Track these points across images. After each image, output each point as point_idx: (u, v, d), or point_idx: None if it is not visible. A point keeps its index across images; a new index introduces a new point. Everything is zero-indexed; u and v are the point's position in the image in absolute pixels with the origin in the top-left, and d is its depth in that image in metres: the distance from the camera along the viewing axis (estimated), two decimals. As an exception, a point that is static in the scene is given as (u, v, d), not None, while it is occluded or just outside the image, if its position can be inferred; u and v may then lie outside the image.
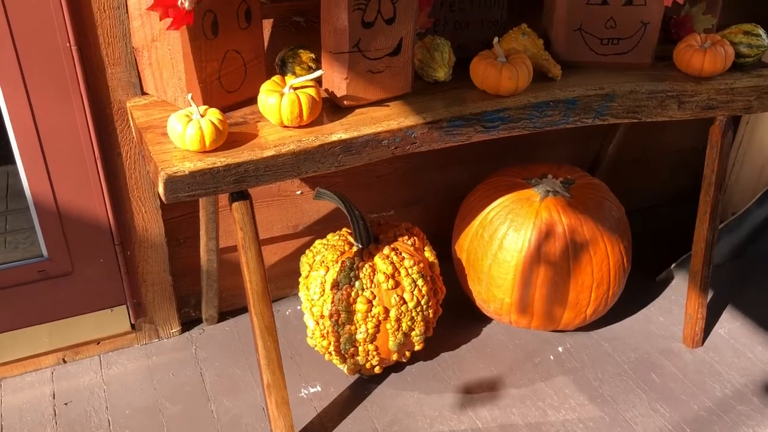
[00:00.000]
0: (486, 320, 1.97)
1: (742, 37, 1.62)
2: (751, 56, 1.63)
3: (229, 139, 1.29)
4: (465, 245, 1.87)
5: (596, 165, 2.17)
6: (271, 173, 1.29)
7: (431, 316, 1.74)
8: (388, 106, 1.46)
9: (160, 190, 1.23)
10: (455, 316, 1.95)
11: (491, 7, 1.66)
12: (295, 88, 1.33)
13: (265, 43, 1.64)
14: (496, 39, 1.49)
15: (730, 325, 1.98)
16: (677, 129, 2.16)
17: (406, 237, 1.76)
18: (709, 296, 2.07)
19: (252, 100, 1.42)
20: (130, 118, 1.50)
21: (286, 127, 1.35)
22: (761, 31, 1.63)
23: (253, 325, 1.44)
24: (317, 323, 1.70)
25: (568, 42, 1.59)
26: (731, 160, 2.37)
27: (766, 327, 1.97)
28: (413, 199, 2.08)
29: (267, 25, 1.63)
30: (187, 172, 1.22)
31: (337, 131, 1.35)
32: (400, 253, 1.70)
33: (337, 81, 1.40)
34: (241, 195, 1.33)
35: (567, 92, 1.52)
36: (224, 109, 1.37)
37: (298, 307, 2.01)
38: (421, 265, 1.70)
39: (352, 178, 1.94)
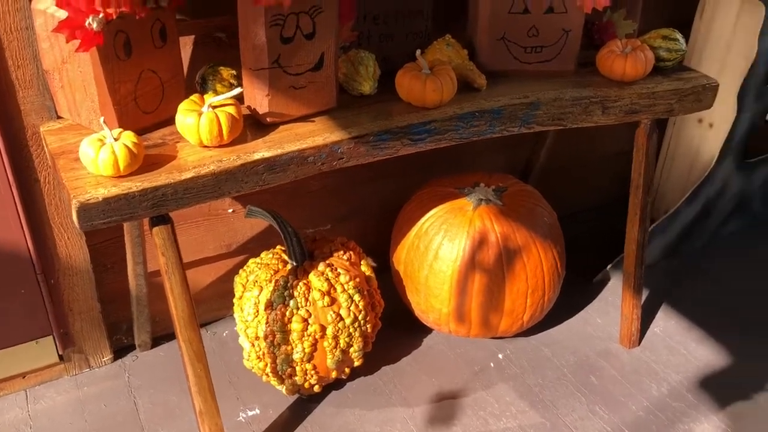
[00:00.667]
0: (426, 331, 1.96)
1: (661, 42, 1.66)
2: (671, 60, 1.66)
3: (146, 162, 1.25)
4: (402, 257, 1.86)
5: (528, 172, 2.19)
6: (191, 195, 1.26)
7: (370, 330, 1.72)
8: (313, 121, 1.43)
9: (74, 218, 1.18)
10: (395, 329, 1.94)
11: (415, 18, 1.65)
12: (214, 107, 1.29)
13: (186, 61, 1.60)
14: (418, 51, 1.48)
15: (665, 323, 2.02)
16: (607, 133, 2.20)
17: (342, 252, 1.74)
18: (644, 296, 2.11)
19: (171, 121, 1.37)
20: (44, 143, 1.44)
21: (206, 147, 1.31)
22: (679, 36, 1.67)
23: (182, 353, 1.39)
24: (253, 345, 1.66)
25: (493, 51, 1.60)
26: (661, 161, 2.42)
27: (698, 323, 2.01)
28: (349, 213, 2.06)
29: (188, 41, 1.59)
30: (100, 199, 1.17)
31: (260, 149, 1.32)
32: (336, 269, 1.67)
33: (258, 98, 1.37)
34: (161, 219, 1.28)
35: (492, 102, 1.52)
36: (142, 131, 1.33)
37: (235, 328, 1.96)
38: (357, 280, 1.68)
39: (285, 193, 1.91)
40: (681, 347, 1.93)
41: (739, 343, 1.94)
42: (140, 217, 1.23)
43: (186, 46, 1.60)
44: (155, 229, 1.28)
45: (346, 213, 2.06)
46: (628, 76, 1.59)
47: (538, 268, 1.76)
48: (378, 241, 2.06)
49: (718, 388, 1.80)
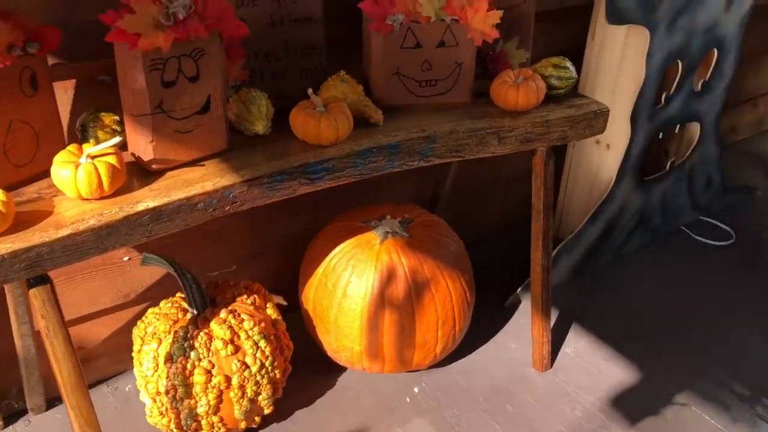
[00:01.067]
0: (340, 369, 1.91)
1: (552, 70, 1.69)
2: (562, 88, 1.70)
3: (18, 219, 1.16)
4: (310, 296, 1.81)
5: (436, 200, 2.19)
6: (70, 253, 1.18)
7: (279, 376, 1.66)
8: (203, 165, 1.38)
9: (-64, 286, 1.08)
10: (308, 370, 1.89)
11: (309, 55, 1.63)
12: (93, 157, 1.22)
13: (68, 107, 1.52)
14: (310, 90, 1.45)
15: (576, 343, 2.05)
16: (510, 156, 2.22)
17: (246, 296, 1.68)
18: (554, 317, 2.14)
19: (48, 173, 1.29)
20: None
21: (86, 200, 1.24)
22: (569, 64, 1.70)
23: (71, 420, 1.30)
24: (154, 400, 1.58)
25: (388, 86, 1.59)
26: (563, 182, 2.47)
27: (607, 341, 2.05)
28: (256, 252, 2.00)
29: (69, 86, 1.51)
30: (-35, 264, 1.08)
31: (145, 199, 1.26)
32: (239, 315, 1.61)
33: (142, 145, 1.31)
34: (39, 280, 1.20)
35: (390, 137, 1.51)
36: (14, 186, 1.25)
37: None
38: (263, 324, 1.62)
39: (185, 236, 1.82)
40: (592, 367, 1.96)
41: (645, 357, 1.99)
42: (13, 280, 1.14)
43: (68, 90, 1.52)
44: (32, 291, 1.19)
45: (252, 252, 2.00)
46: (521, 105, 1.61)
47: (447, 299, 1.75)
48: (288, 279, 2.01)
49: (629, 406, 1.83)
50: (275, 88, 1.59)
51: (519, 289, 2.17)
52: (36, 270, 1.16)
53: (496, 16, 1.55)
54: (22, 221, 1.17)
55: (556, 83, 1.69)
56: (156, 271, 1.83)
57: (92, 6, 1.46)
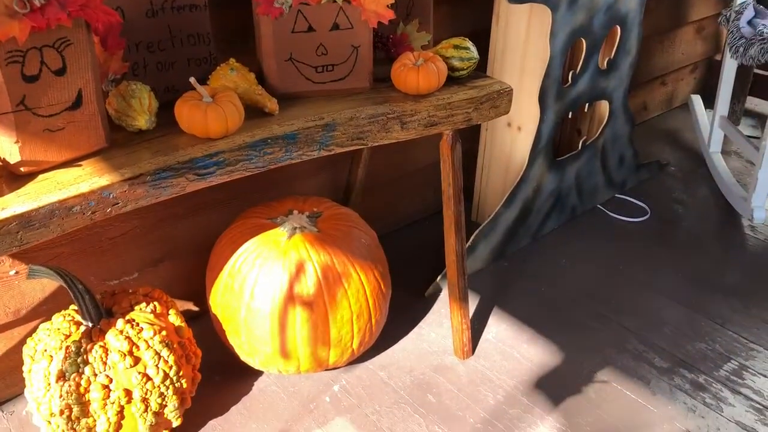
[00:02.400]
0: (255, 373, 1.83)
1: (453, 52, 1.65)
2: (465, 69, 1.66)
3: None
4: (217, 299, 1.72)
5: (349, 191, 2.13)
6: (-77, 270, 1.06)
7: (186, 385, 1.56)
8: (80, 165, 1.27)
9: None
10: (221, 377, 1.80)
11: (196, 44, 1.53)
12: (-52, 162, 1.11)
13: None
14: (192, 79, 1.36)
15: (497, 328, 2.03)
16: (423, 143, 2.19)
17: (144, 304, 1.58)
18: (476, 303, 2.11)
19: None
20: None
21: (-58, 209, 1.12)
22: (470, 44, 1.66)
23: (-57, 453, 1.18)
24: (49, 423, 1.46)
25: (282, 73, 1.51)
26: (479, 166, 2.45)
27: (528, 324, 2.04)
28: (159, 257, 1.89)
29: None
30: None
31: (12, 204, 1.15)
32: (137, 324, 1.51)
33: (7, 146, 1.19)
34: None
35: (285, 127, 1.44)
36: None
37: (37, 403, 1.73)
38: (164, 333, 1.53)
39: (78, 244, 1.72)
40: (513, 351, 1.94)
41: (566, 337, 1.98)
42: None
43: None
44: None
45: (155, 257, 1.89)
46: (423, 88, 1.56)
47: (360, 293, 1.69)
48: (196, 282, 1.91)
49: (551, 388, 1.82)
50: (161, 79, 1.50)
51: (438, 278, 2.13)
52: None
53: (390, -5, 1.49)
54: None
55: (457, 64, 1.65)
56: (48, 284, 1.71)
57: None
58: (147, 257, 1.87)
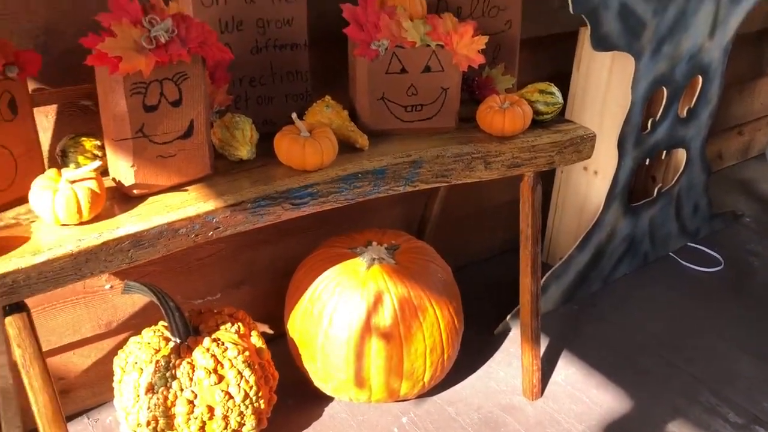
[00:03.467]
0: (327, 399, 1.87)
1: (538, 96, 1.69)
2: (549, 113, 1.70)
3: (-6, 245, 1.14)
4: (296, 324, 1.78)
5: (424, 225, 2.17)
6: (46, 280, 1.15)
7: (263, 406, 1.62)
8: (186, 190, 1.36)
9: None
10: (294, 400, 1.85)
11: (294, 80, 1.62)
12: (72, 182, 1.20)
13: (50, 132, 1.50)
14: (294, 115, 1.44)
15: (566, 371, 2.02)
16: (499, 181, 2.22)
17: (230, 324, 1.65)
18: (545, 344, 2.11)
19: (26, 198, 1.26)
20: None
21: (65, 225, 1.21)
22: (555, 89, 1.70)
23: (47, 453, 1.26)
24: (135, 432, 1.53)
25: (373, 111, 1.58)
26: (552, 208, 2.47)
27: (598, 369, 2.03)
28: (241, 279, 1.97)
29: (51, 111, 1.50)
30: (-62, 291, 1.05)
31: (126, 224, 1.23)
32: (223, 344, 1.58)
33: (123, 169, 1.29)
34: (14, 307, 1.16)
35: (375, 162, 1.50)
36: (-8, 211, 1.22)
37: (120, 413, 1.82)
38: (247, 353, 1.59)
39: (168, 263, 1.81)
40: (582, 395, 1.93)
41: (636, 385, 1.96)
42: (-13, 308, 1.11)
43: (49, 115, 1.50)
44: (7, 320, 1.16)
45: (238, 279, 1.97)
46: (508, 130, 1.60)
47: (434, 327, 1.73)
48: (274, 306, 1.98)
49: (621, 435, 1.80)
50: (260, 113, 1.59)
51: (509, 317, 2.14)
52: (12, 297, 1.13)
53: (482, 41, 1.55)
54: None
55: (542, 108, 1.69)
56: (138, 299, 1.80)
57: (75, 31, 1.46)
58: (230, 279, 1.95)
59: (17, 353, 1.20)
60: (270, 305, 2.02)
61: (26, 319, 1.18)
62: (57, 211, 1.18)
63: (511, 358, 2.06)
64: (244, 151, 1.45)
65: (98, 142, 1.36)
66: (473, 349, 2.05)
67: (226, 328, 1.63)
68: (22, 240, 1.17)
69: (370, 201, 2.08)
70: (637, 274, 2.48)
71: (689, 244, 2.66)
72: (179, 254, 1.82)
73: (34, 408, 1.24)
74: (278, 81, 1.60)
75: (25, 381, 1.22)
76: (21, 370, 1.21)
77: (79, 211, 1.19)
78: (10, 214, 1.25)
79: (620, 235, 2.34)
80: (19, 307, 1.17)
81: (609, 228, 2.28)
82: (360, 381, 1.72)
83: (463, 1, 1.73)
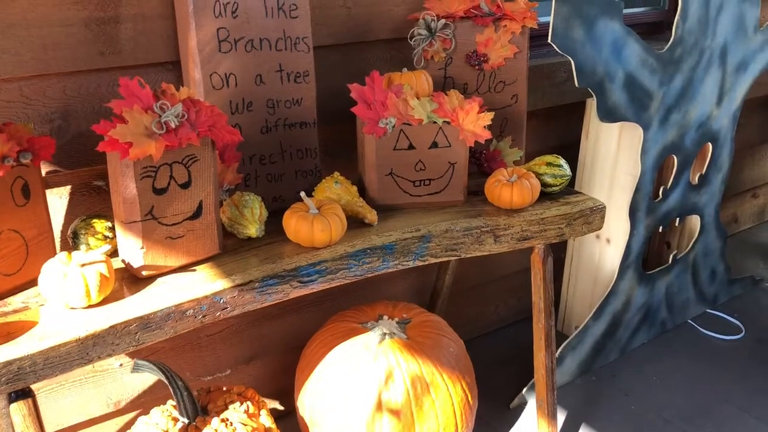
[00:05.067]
0: (338, 479, 1.82)
1: (545, 168, 1.70)
2: (557, 185, 1.70)
3: (2, 331, 1.14)
4: (305, 401, 1.75)
5: (435, 297, 2.15)
6: (53, 366, 1.14)
7: (272, 488, 1.58)
8: (194, 270, 1.36)
9: None
10: (304, 480, 1.80)
11: (304, 157, 1.64)
12: (82, 265, 1.21)
13: (62, 213, 1.52)
14: (302, 193, 1.45)
15: (585, 447, 1.96)
16: (511, 251, 2.21)
17: (239, 403, 1.62)
18: (562, 418, 2.05)
19: (36, 281, 1.28)
20: None
21: (73, 309, 1.21)
22: (562, 162, 1.71)
23: None
24: None
25: (382, 186, 1.59)
26: (566, 278, 2.44)
27: (618, 444, 1.96)
28: (251, 355, 1.95)
29: (64, 192, 1.52)
30: (-58, 381, 1.05)
31: (133, 307, 1.23)
32: (231, 424, 1.55)
33: (132, 251, 1.30)
34: (20, 394, 1.16)
35: (384, 237, 1.50)
36: (1, 295, 1.23)
37: (127, 495, 1.77)
38: (255, 433, 1.56)
39: (177, 341, 1.80)
40: (603, 473, 1.87)
41: (660, 462, 1.90)
42: (-8, 395, 1.11)
43: (62, 197, 1.53)
44: (13, 406, 1.15)
45: (247, 355, 1.95)
46: (516, 203, 1.60)
47: (447, 403, 1.69)
48: (284, 381, 1.95)
49: None
50: (270, 190, 1.60)
51: (524, 390, 2.09)
52: (17, 384, 1.12)
53: (488, 117, 1.57)
54: (6, 333, 1.15)
55: (550, 181, 1.69)
56: (147, 377, 1.78)
57: (89, 114, 1.50)
58: (240, 355, 1.93)
59: (22, 440, 1.18)
60: (280, 381, 1.99)
61: (31, 405, 1.17)
62: (66, 294, 1.18)
63: (529, 434, 2.00)
64: (253, 229, 1.45)
65: (109, 224, 1.37)
66: (489, 425, 2.00)
67: (234, 408, 1.61)
68: (29, 325, 1.18)
69: (382, 273, 2.09)
70: (655, 343, 2.42)
71: (708, 311, 2.61)
72: (190, 331, 1.82)
73: (37, 497, 1.21)
74: (288, 158, 1.62)
75: (29, 468, 1.19)
76: (25, 457, 1.19)
77: (88, 294, 1.19)
78: (19, 298, 1.26)
79: (636, 304, 2.30)
80: (24, 393, 1.16)
81: (624, 296, 2.24)
82: (372, 461, 1.67)
83: (469, 77, 1.76)
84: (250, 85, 1.53)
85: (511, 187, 1.60)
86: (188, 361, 1.83)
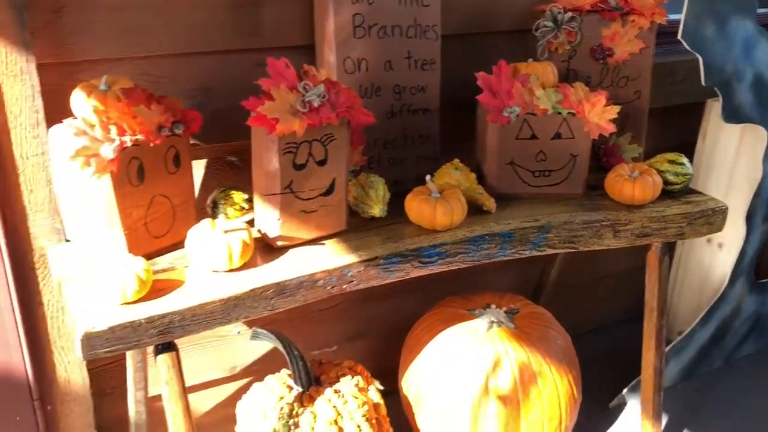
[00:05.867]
0: (437, 461, 1.86)
1: (667, 166, 1.67)
2: (678, 183, 1.68)
3: (153, 287, 1.23)
4: (411, 382, 1.80)
5: (540, 290, 2.16)
6: (198, 322, 1.23)
7: (378, 461, 1.63)
8: (323, 244, 1.42)
9: (77, 346, 1.15)
10: (405, 459, 1.85)
11: (425, 143, 1.68)
12: (226, 232, 1.29)
13: (198, 184, 1.61)
14: (428, 177, 1.49)
15: (687, 452, 1.92)
16: (617, 249, 2.19)
17: (350, 377, 1.68)
18: (664, 421, 2.02)
19: (181, 244, 1.37)
20: (51, 267, 1.42)
21: (215, 271, 1.30)
22: (684, 160, 1.69)
23: (181, 488, 1.31)
24: (255, 477, 1.57)
25: (501, 175, 1.61)
26: (672, 281, 2.39)
27: (723, 453, 1.92)
28: (357, 333, 2.02)
29: (200, 165, 1.62)
30: (105, 327, 1.14)
31: (270, 273, 1.30)
32: (343, 396, 1.61)
33: (269, 222, 1.37)
34: (167, 347, 1.25)
35: (503, 225, 1.52)
36: (151, 255, 1.32)
37: (237, 457, 1.87)
38: (366, 408, 1.61)
39: (291, 313, 1.86)
40: (706, 480, 1.83)
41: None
42: (145, 345, 1.20)
43: (198, 169, 1.62)
44: (160, 357, 1.24)
45: (354, 333, 2.01)
46: (637, 199, 1.59)
47: (554, 395, 1.70)
48: (386, 362, 2.00)
49: None
50: (391, 173, 1.65)
51: (625, 390, 2.07)
52: (166, 336, 1.21)
53: (614, 111, 1.56)
54: (157, 289, 1.24)
55: (672, 179, 1.67)
56: (261, 345, 1.87)
57: (225, 92, 1.59)
58: (347, 332, 1.99)
59: (164, 390, 1.27)
60: (382, 360, 2.04)
61: (175, 358, 1.26)
62: (211, 258, 1.26)
63: (628, 434, 1.98)
64: (377, 209, 1.50)
65: (246, 196, 1.45)
66: (587, 422, 1.99)
67: (346, 381, 1.67)
68: (176, 284, 1.26)
69: (484, 263, 2.11)
70: (763, 354, 2.35)
71: (821, 326, 2.50)
72: (303, 305, 1.90)
73: (173, 444, 1.30)
74: (410, 144, 1.66)
75: (169, 417, 1.29)
76: (166, 406, 1.28)
77: (231, 259, 1.27)
78: (166, 259, 1.35)
79: (746, 312, 2.23)
80: (170, 347, 1.25)
81: (734, 303, 2.18)
82: (474, 445, 1.70)
83: (592, 71, 1.76)
84: (379, 71, 1.58)
85: (633, 182, 1.59)
86: (300, 335, 1.90)
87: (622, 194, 1.60)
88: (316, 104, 1.31)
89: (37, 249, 1.46)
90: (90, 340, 1.14)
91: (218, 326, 1.26)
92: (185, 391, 1.28)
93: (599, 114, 1.56)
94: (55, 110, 1.38)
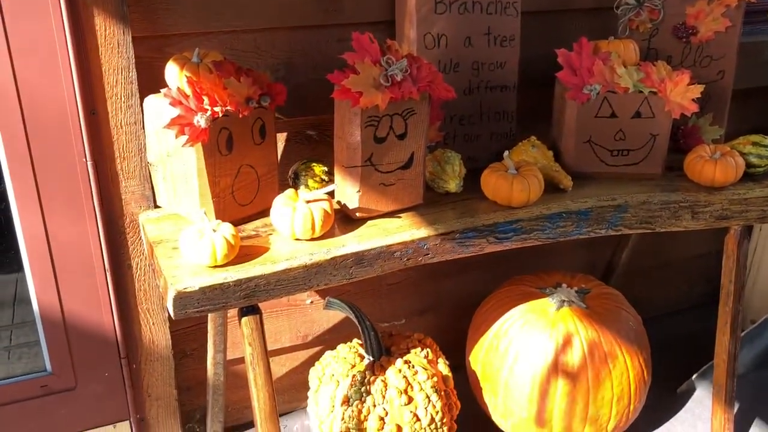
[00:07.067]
0: (502, 436, 1.88)
1: (751, 148, 1.63)
2: (762, 166, 1.63)
3: (240, 252, 1.28)
4: (479, 357, 1.82)
5: (610, 272, 2.14)
6: (282, 287, 1.27)
7: (446, 432, 1.66)
8: (399, 217, 1.45)
9: (169, 305, 1.21)
10: (470, 432, 1.87)
11: (500, 120, 1.69)
12: (308, 202, 1.33)
13: (279, 156, 1.66)
14: (506, 152, 1.50)
15: (759, 441, 1.89)
16: (691, 233, 2.15)
17: (419, 349, 1.72)
18: (735, 408, 1.99)
19: (264, 213, 1.42)
20: (142, 231, 1.50)
21: (298, 239, 1.34)
22: (769, 142, 1.64)
23: (260, 446, 1.37)
24: (327, 441, 1.63)
25: (578, 153, 1.60)
26: (747, 267, 2.33)
27: (797, 443, 1.88)
28: (425, 308, 2.05)
29: (280, 138, 1.66)
30: (197, 288, 1.20)
31: (349, 243, 1.34)
32: (413, 367, 1.65)
33: (349, 193, 1.40)
34: (251, 309, 1.30)
35: (579, 203, 1.52)
36: (237, 222, 1.37)
37: (307, 422, 1.93)
38: (435, 379, 1.64)
39: (362, 286, 1.92)
40: (779, 469, 1.80)
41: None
42: (232, 307, 1.25)
43: (278, 142, 1.67)
44: (245, 319, 1.30)
45: (422, 307, 2.04)
46: (718, 181, 1.56)
47: (624, 375, 1.69)
48: (452, 337, 2.03)
49: None
50: (466, 149, 1.66)
51: (694, 376, 2.05)
52: (251, 299, 1.26)
53: (697, 90, 1.54)
54: (243, 254, 1.29)
55: (755, 161, 1.63)
56: (333, 315, 1.92)
57: (307, 66, 1.62)
58: (415, 306, 2.02)
59: (247, 352, 1.33)
60: (449, 336, 2.06)
61: (259, 320, 1.31)
62: (294, 226, 1.31)
63: (696, 420, 1.96)
64: (453, 184, 1.52)
65: (326, 168, 1.49)
66: (655, 406, 1.98)
67: (416, 353, 1.70)
68: (262, 250, 1.31)
69: (553, 243, 2.10)
70: (841, 346, 2.27)
71: None
72: (373, 278, 1.93)
73: (254, 403, 1.36)
74: (486, 120, 1.67)
75: (250, 378, 1.34)
76: (248, 367, 1.34)
77: (313, 228, 1.31)
78: (250, 226, 1.40)
79: (825, 302, 2.17)
80: (253, 310, 1.31)
81: (813, 293, 2.12)
82: (541, 421, 1.72)
83: (674, 49, 1.72)
84: (458, 47, 1.59)
85: (715, 164, 1.56)
86: (369, 307, 1.94)
87: (702, 175, 1.57)
88: (398, 78, 1.33)
89: (127, 214, 1.54)
90: (182, 300, 1.20)
91: (299, 292, 1.30)
92: (267, 352, 1.34)
93: (682, 93, 1.54)
94: (146, 82, 1.45)
